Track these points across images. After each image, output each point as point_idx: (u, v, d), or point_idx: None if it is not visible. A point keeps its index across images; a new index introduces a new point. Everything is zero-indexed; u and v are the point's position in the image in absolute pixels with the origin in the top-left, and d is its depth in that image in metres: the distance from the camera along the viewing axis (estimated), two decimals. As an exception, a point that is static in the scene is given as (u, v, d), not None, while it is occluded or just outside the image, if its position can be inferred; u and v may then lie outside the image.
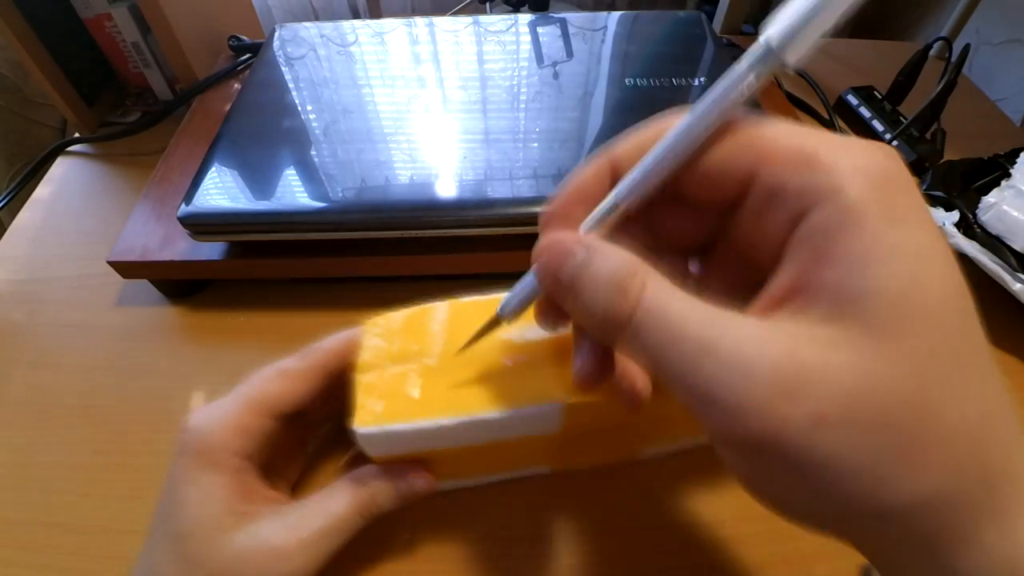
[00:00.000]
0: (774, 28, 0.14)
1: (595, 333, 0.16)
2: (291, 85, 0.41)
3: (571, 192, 0.17)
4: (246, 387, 0.24)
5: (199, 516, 0.21)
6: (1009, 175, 0.38)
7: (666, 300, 0.13)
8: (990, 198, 0.37)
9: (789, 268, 0.13)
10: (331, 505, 0.23)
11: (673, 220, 0.17)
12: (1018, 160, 0.39)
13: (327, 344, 0.26)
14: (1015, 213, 0.36)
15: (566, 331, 0.19)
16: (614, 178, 0.17)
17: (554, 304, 0.18)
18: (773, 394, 0.11)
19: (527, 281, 0.19)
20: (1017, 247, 0.35)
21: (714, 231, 0.17)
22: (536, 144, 0.37)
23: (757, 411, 0.11)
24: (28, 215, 0.45)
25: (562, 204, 0.17)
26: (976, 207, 0.37)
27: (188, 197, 0.34)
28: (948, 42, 0.49)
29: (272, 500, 0.24)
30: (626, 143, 0.17)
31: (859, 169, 0.13)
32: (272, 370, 0.24)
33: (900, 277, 0.12)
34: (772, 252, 0.14)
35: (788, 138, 0.15)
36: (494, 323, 0.21)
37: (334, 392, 0.25)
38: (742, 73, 0.15)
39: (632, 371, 0.20)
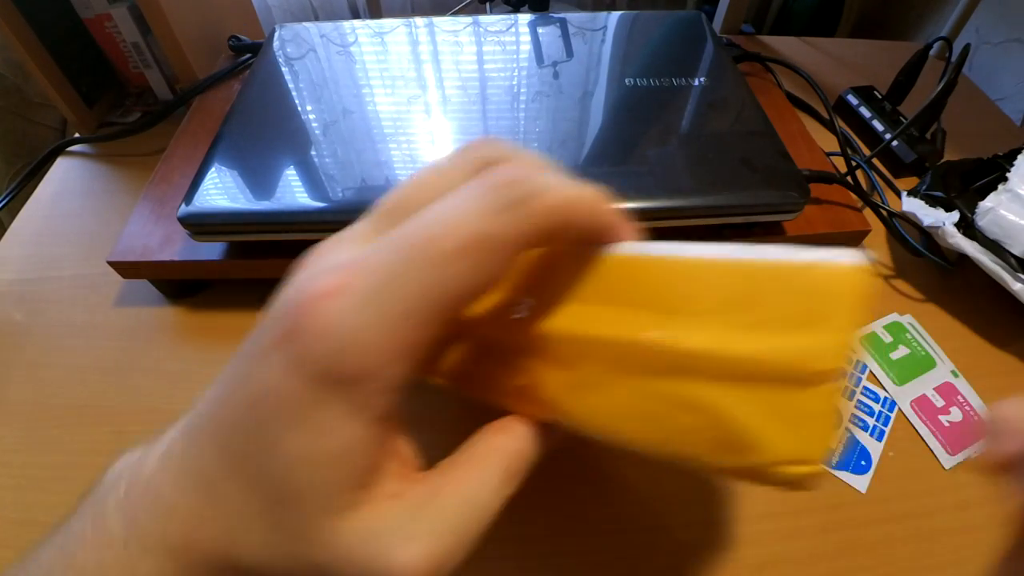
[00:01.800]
0: None
1: None
2: (291, 85, 0.41)
3: None
4: (419, 265, 0.14)
5: (309, 482, 0.14)
6: (1006, 179, 0.38)
7: None
8: (987, 203, 0.37)
9: None
10: (478, 483, 0.17)
11: None
12: (1015, 163, 0.39)
13: (566, 197, 0.15)
14: (1012, 217, 0.36)
15: None
16: None
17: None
18: None
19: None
20: (1016, 252, 0.35)
21: None
22: (536, 144, 0.37)
23: None
24: (28, 215, 0.45)
25: None
26: (975, 208, 0.37)
27: (188, 197, 0.34)
28: (948, 42, 0.49)
29: (399, 461, 0.16)
30: None
31: None
32: (471, 235, 0.14)
33: None
34: None
35: None
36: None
37: None
38: None
39: None
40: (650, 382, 0.16)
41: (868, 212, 0.41)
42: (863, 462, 0.32)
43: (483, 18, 0.49)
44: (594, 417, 0.17)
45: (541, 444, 0.18)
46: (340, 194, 0.34)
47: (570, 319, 0.17)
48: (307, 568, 0.14)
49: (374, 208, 0.17)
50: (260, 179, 0.35)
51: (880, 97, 0.52)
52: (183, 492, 0.15)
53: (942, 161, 0.46)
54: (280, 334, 0.14)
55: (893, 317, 0.38)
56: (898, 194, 0.44)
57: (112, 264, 0.36)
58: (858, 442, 0.32)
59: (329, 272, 0.14)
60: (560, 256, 0.18)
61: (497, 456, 0.17)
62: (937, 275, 0.41)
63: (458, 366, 0.19)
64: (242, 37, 0.52)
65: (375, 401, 0.14)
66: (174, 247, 0.36)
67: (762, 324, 0.15)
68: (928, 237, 0.39)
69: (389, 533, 0.15)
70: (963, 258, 0.37)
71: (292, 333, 0.14)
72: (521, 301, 0.18)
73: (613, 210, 0.17)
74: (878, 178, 0.47)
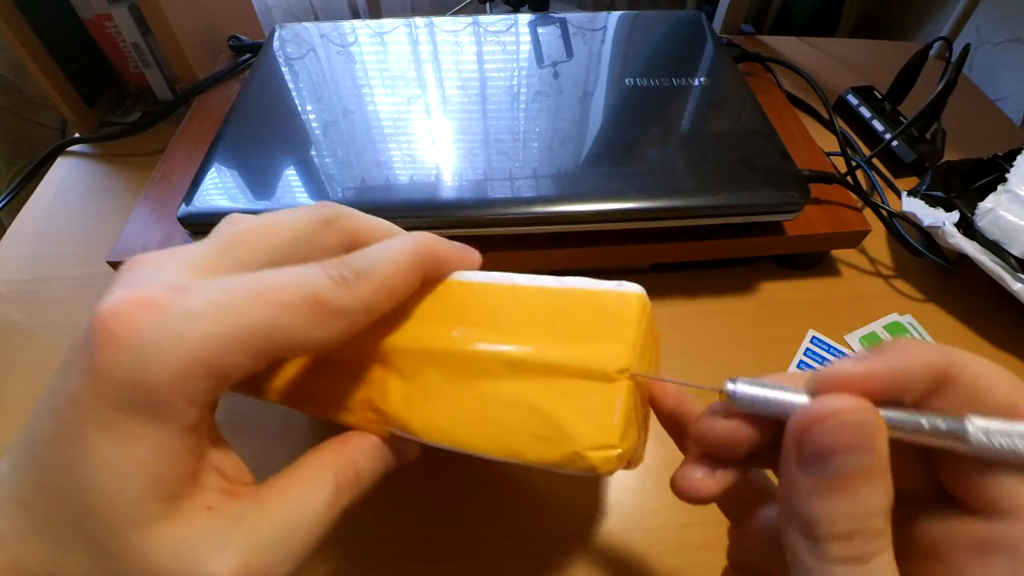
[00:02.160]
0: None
1: (787, 518, 0.14)
2: (291, 85, 0.41)
3: (883, 375, 0.14)
4: (249, 302, 0.14)
5: (115, 491, 0.14)
6: (1005, 179, 0.38)
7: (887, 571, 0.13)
8: (986, 204, 0.37)
9: None
10: (304, 496, 0.16)
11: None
12: (1015, 163, 0.39)
13: (392, 270, 0.17)
14: (1011, 218, 0.36)
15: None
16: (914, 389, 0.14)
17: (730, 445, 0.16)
18: None
19: (790, 401, 0.15)
20: (1016, 252, 0.35)
21: None
22: (536, 144, 0.37)
23: None
24: (28, 215, 0.45)
25: (870, 376, 0.14)
26: (975, 209, 0.37)
27: (188, 197, 0.34)
28: (948, 42, 0.49)
29: (222, 476, 0.16)
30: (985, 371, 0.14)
31: None
32: (303, 293, 0.15)
33: None
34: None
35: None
36: (716, 392, 0.17)
37: None
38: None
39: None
40: (480, 387, 0.18)
41: (868, 212, 0.41)
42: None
43: (483, 18, 0.49)
44: (431, 424, 0.19)
45: (381, 458, 0.19)
46: (340, 194, 0.34)
47: (410, 336, 0.19)
48: None
49: (215, 233, 0.18)
50: (260, 179, 0.35)
51: (880, 97, 0.52)
52: (6, 516, 0.14)
53: (942, 161, 0.46)
54: (85, 342, 0.14)
55: (893, 317, 0.38)
56: (898, 194, 0.44)
57: (112, 264, 0.36)
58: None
59: (154, 286, 0.14)
60: None
61: (328, 469, 0.17)
62: (937, 275, 0.41)
63: (296, 384, 0.20)
64: (242, 37, 0.52)
65: (179, 412, 0.14)
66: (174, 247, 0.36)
67: (568, 336, 0.18)
68: (928, 237, 0.39)
69: (201, 545, 0.14)
70: (963, 258, 0.37)
71: (96, 340, 0.14)
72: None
73: (449, 250, 0.20)
74: (878, 178, 0.47)
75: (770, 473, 0.18)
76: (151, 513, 0.14)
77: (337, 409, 0.19)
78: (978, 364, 0.14)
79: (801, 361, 0.36)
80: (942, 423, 0.13)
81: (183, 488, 0.15)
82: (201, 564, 0.14)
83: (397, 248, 0.17)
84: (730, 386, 0.15)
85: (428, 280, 0.19)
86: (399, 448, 0.19)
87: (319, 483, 0.17)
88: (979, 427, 0.13)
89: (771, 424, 0.15)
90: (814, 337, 0.37)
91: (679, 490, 0.17)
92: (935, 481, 0.15)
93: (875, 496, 0.13)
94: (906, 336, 0.37)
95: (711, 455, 0.17)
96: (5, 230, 0.44)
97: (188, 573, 0.14)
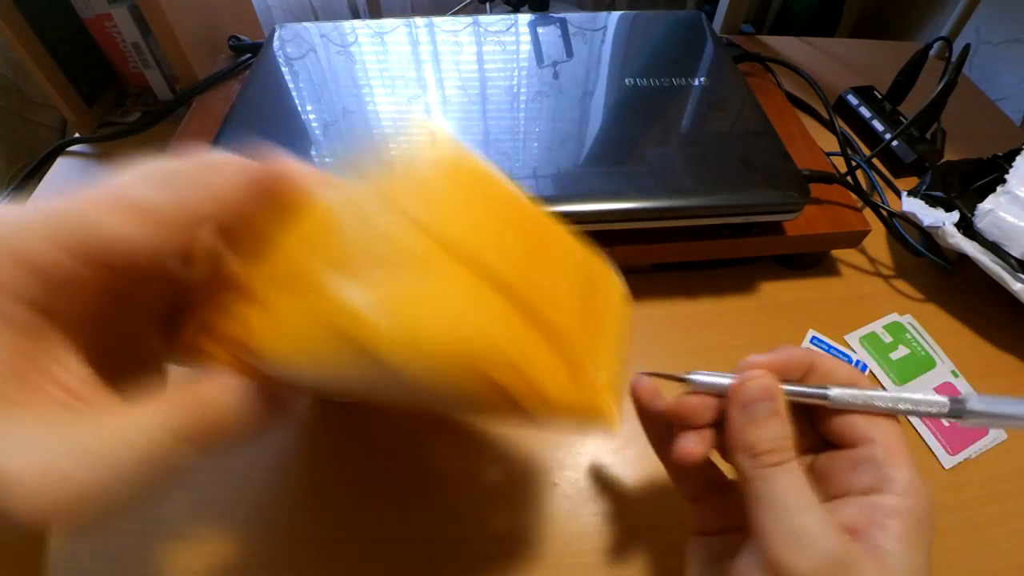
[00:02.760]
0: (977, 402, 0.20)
1: (734, 448, 0.21)
2: (291, 85, 0.41)
3: (778, 361, 0.22)
4: (60, 202, 0.15)
5: None
6: (1004, 180, 0.38)
7: (793, 475, 0.20)
8: (986, 205, 0.37)
9: (853, 510, 0.20)
10: (139, 417, 0.16)
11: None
12: (1014, 164, 0.39)
13: (210, 171, 0.17)
14: (1011, 219, 0.36)
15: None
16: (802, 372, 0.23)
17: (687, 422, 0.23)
18: (829, 565, 0.18)
19: (727, 381, 0.22)
20: (1016, 253, 0.35)
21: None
22: (536, 144, 0.37)
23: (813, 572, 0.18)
24: (28, 215, 0.45)
25: (771, 363, 0.22)
26: (975, 209, 0.37)
27: (188, 197, 0.34)
28: (948, 42, 0.49)
29: (65, 391, 0.16)
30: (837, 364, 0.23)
31: (916, 506, 0.19)
32: (113, 191, 0.16)
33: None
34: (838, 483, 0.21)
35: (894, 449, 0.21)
36: (677, 379, 0.23)
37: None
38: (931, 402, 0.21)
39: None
40: (315, 303, 0.17)
41: (868, 212, 0.41)
42: (863, 462, 0.32)
43: (483, 18, 0.49)
44: (278, 349, 0.18)
45: (244, 400, 0.18)
46: (340, 194, 0.34)
47: (269, 264, 0.19)
48: None
49: None
50: (260, 179, 0.35)
51: (880, 97, 0.52)
52: None
53: (942, 161, 0.46)
54: None
55: (893, 317, 0.38)
56: (898, 194, 0.44)
57: (112, 264, 0.36)
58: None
59: None
60: (261, 213, 0.19)
61: (174, 398, 0.17)
62: (937, 275, 0.41)
63: (192, 340, 0.20)
64: (242, 37, 0.52)
65: (5, 308, 0.14)
66: (174, 247, 0.36)
67: None
68: (928, 237, 0.39)
69: (9, 440, 0.14)
70: (963, 258, 0.37)
71: None
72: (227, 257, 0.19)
73: (298, 165, 0.19)
74: (878, 178, 0.47)
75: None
76: None
77: (216, 351, 0.19)
78: (830, 359, 0.23)
79: (801, 361, 0.36)
80: (815, 389, 0.22)
81: (15, 389, 0.15)
82: (10, 469, 0.14)
83: (227, 156, 0.18)
84: (690, 376, 0.23)
85: (280, 196, 0.19)
86: (275, 398, 0.18)
87: (159, 408, 0.16)
88: (835, 391, 0.21)
89: (720, 400, 0.22)
90: (814, 337, 0.37)
91: (679, 457, 0.22)
92: (820, 437, 0.23)
93: (781, 427, 0.20)
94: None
95: (689, 427, 0.23)
96: (5, 230, 0.44)
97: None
